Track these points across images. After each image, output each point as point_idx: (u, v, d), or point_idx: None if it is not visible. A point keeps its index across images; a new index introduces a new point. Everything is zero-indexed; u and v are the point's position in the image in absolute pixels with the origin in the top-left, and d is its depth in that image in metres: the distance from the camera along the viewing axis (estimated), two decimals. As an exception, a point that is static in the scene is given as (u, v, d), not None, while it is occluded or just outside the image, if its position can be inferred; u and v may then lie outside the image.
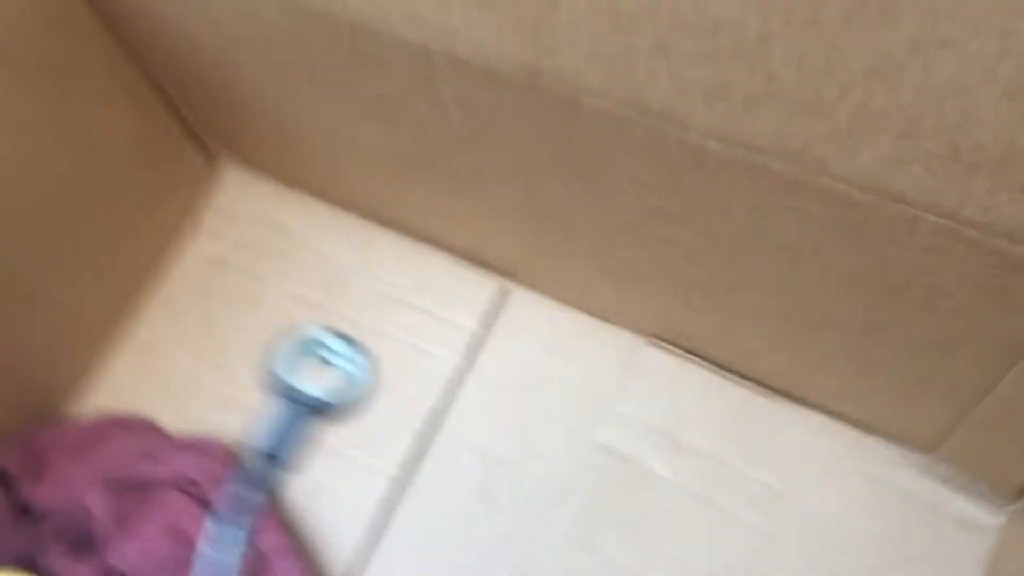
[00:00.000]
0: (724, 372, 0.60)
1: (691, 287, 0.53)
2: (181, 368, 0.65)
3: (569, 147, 0.46)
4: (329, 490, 0.60)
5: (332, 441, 0.61)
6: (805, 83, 0.35)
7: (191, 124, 0.66)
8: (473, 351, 0.63)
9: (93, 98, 0.57)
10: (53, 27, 0.53)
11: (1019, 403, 0.47)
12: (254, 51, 0.53)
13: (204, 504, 0.57)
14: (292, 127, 0.60)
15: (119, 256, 0.64)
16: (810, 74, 0.35)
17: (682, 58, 0.37)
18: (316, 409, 0.61)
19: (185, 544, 0.55)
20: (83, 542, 0.56)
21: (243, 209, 0.69)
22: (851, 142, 0.37)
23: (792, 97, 0.36)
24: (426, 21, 0.43)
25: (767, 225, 0.44)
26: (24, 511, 0.58)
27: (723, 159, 0.41)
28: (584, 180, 0.49)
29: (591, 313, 0.63)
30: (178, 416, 0.63)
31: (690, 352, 0.61)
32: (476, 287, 0.65)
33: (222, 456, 0.58)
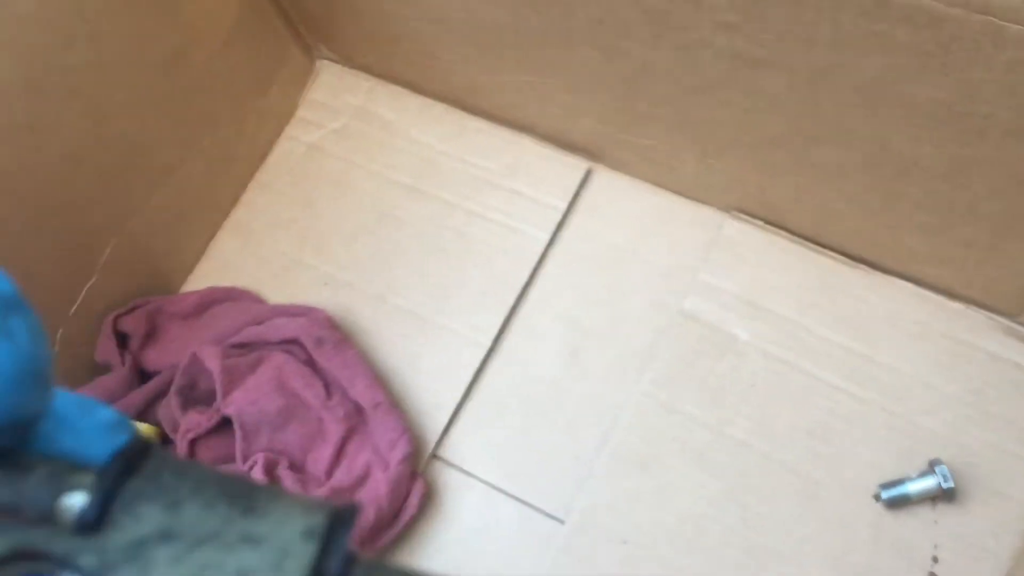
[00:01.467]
0: (806, 242, 0.61)
1: (773, 146, 0.54)
2: (282, 249, 0.69)
3: (656, -6, 0.48)
4: (427, 357, 0.63)
5: (429, 313, 0.64)
6: None
7: (292, 18, 0.69)
8: (561, 229, 0.65)
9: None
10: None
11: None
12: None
13: (307, 362, 0.60)
14: (392, 10, 0.63)
15: (225, 142, 0.68)
16: None
17: None
18: None
19: (290, 396, 0.59)
20: (198, 396, 0.60)
21: (338, 101, 0.72)
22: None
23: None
24: None
25: (850, 60, 0.45)
26: (138, 371, 0.63)
27: (808, -17, 0.42)
28: (670, 33, 0.50)
29: (675, 191, 0.64)
30: (280, 293, 0.67)
31: (772, 224, 0.62)
32: (564, 168, 0.67)
33: (323, 319, 0.62)
